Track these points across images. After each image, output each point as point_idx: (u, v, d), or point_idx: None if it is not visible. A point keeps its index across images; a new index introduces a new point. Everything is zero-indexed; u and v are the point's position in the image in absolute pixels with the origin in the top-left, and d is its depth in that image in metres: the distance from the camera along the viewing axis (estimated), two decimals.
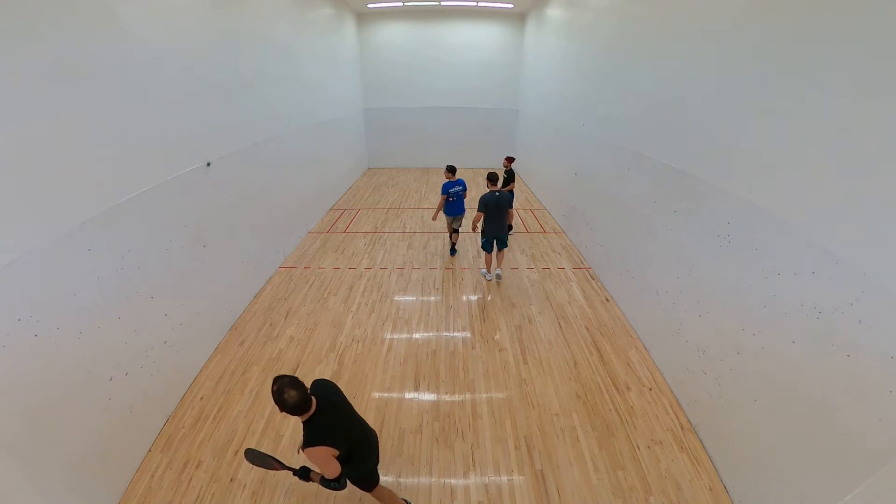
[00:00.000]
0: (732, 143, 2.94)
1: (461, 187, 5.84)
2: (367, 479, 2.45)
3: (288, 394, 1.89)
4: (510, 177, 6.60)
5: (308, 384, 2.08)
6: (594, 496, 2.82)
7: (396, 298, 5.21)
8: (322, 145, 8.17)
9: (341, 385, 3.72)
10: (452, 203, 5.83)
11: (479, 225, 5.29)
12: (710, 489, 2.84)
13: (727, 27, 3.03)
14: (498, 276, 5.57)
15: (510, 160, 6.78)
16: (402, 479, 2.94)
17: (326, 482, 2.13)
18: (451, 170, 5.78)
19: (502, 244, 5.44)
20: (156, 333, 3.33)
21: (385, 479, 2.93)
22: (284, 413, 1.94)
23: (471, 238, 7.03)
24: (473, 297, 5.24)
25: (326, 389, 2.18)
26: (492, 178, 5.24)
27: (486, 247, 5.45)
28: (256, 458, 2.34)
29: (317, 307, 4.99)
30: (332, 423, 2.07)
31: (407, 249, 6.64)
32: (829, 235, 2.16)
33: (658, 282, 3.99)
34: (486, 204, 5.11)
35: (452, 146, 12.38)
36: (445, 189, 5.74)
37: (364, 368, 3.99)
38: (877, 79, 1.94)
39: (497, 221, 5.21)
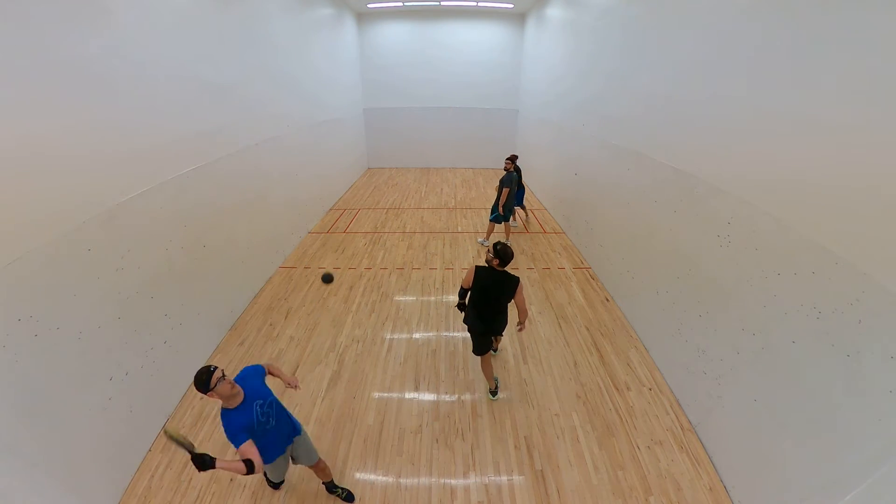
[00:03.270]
0: (732, 143, 2.94)
1: (259, 403, 2.18)
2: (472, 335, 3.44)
3: (504, 248, 3.11)
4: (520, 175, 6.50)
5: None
6: (594, 496, 2.82)
7: (396, 298, 5.21)
8: (322, 145, 8.17)
9: (341, 384, 3.76)
10: (273, 429, 2.27)
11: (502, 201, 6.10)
12: (710, 489, 2.84)
13: (727, 27, 3.03)
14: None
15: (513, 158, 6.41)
16: (402, 480, 2.94)
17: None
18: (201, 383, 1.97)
19: (508, 218, 6.42)
20: (156, 333, 3.33)
21: (385, 479, 2.94)
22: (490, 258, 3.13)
23: (468, 244, 7.03)
24: None
25: (497, 282, 3.17)
26: (512, 158, 6.20)
27: (500, 219, 6.28)
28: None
29: (317, 307, 4.99)
30: (483, 281, 3.18)
31: (407, 249, 6.64)
32: (829, 235, 2.16)
33: (658, 282, 3.99)
34: (513, 182, 6.10)
35: (452, 146, 12.39)
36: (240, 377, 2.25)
37: (364, 368, 3.99)
38: (877, 79, 1.94)
39: (514, 199, 6.30)
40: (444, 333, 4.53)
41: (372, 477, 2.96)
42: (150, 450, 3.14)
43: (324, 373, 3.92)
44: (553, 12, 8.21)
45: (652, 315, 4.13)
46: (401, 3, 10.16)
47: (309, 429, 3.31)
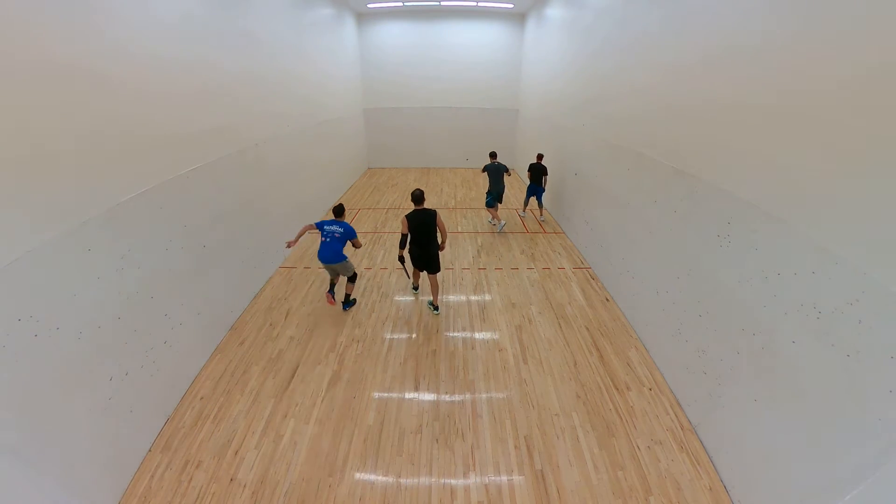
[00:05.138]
0: (732, 143, 2.94)
1: (342, 229, 4.53)
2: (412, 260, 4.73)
3: (415, 192, 4.44)
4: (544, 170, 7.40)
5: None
6: (594, 496, 2.82)
7: (396, 298, 5.21)
8: (322, 145, 8.17)
9: (341, 384, 3.76)
10: (325, 244, 4.51)
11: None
12: (710, 489, 2.84)
13: (727, 26, 3.03)
14: (492, 223, 7.62)
15: (540, 157, 7.45)
16: (402, 480, 2.94)
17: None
18: (336, 211, 4.67)
19: (500, 200, 7.36)
20: (156, 333, 3.33)
21: (385, 479, 2.94)
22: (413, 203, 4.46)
23: (468, 244, 7.04)
24: (474, 297, 5.24)
25: (422, 219, 4.44)
26: (492, 154, 7.44)
27: (490, 203, 7.27)
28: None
29: (317, 307, 4.99)
30: (414, 220, 4.41)
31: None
32: (829, 235, 2.16)
33: (658, 282, 3.99)
34: (487, 169, 7.16)
35: (452, 146, 12.40)
36: (320, 224, 4.57)
37: (364, 368, 3.99)
38: (876, 79, 1.94)
39: (498, 183, 7.14)
40: (445, 333, 4.53)
41: (372, 477, 2.97)
42: (149, 450, 3.14)
43: (324, 373, 3.92)
44: (553, 12, 8.22)
45: (652, 315, 4.13)
46: (401, 3, 10.17)
47: (309, 428, 3.32)
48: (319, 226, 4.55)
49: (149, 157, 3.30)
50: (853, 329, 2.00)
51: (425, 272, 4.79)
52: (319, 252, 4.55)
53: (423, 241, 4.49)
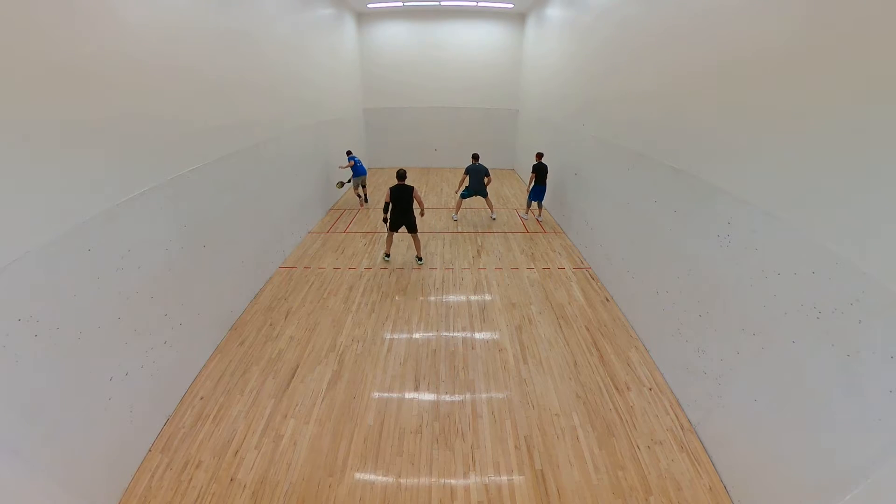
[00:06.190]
0: (732, 143, 2.94)
1: (356, 160, 8.40)
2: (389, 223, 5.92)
3: (399, 171, 5.85)
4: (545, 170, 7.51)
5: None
6: (594, 496, 2.82)
7: (396, 298, 5.21)
8: (322, 145, 8.17)
9: (341, 384, 3.76)
10: (359, 166, 8.33)
11: (464, 185, 7.81)
12: (710, 489, 2.84)
13: (726, 27, 3.03)
14: (493, 219, 8.05)
15: (539, 155, 7.59)
16: (402, 480, 2.94)
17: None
18: (349, 153, 8.58)
19: (484, 195, 7.77)
20: (156, 333, 3.33)
21: (385, 479, 2.94)
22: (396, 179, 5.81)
23: (468, 244, 7.04)
24: (474, 297, 5.25)
25: (402, 191, 5.70)
26: (475, 156, 7.77)
27: (465, 195, 7.81)
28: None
29: (317, 307, 4.99)
30: (395, 192, 5.70)
31: (407, 249, 6.64)
32: (829, 235, 2.16)
33: (658, 282, 3.99)
34: (468, 171, 7.62)
35: (452, 146, 12.39)
36: (351, 157, 8.36)
37: (364, 368, 3.99)
38: (877, 80, 1.94)
39: (478, 183, 7.60)
40: (444, 333, 4.53)
41: (372, 477, 2.97)
42: (149, 450, 3.14)
43: (324, 373, 3.92)
44: (553, 12, 8.22)
45: (652, 315, 4.13)
46: (401, 3, 10.17)
47: (309, 428, 3.32)
48: (351, 157, 8.26)
49: (148, 157, 3.30)
50: (853, 329, 2.00)
51: (401, 235, 6.17)
52: (355, 172, 8.31)
53: (402, 208, 5.75)
